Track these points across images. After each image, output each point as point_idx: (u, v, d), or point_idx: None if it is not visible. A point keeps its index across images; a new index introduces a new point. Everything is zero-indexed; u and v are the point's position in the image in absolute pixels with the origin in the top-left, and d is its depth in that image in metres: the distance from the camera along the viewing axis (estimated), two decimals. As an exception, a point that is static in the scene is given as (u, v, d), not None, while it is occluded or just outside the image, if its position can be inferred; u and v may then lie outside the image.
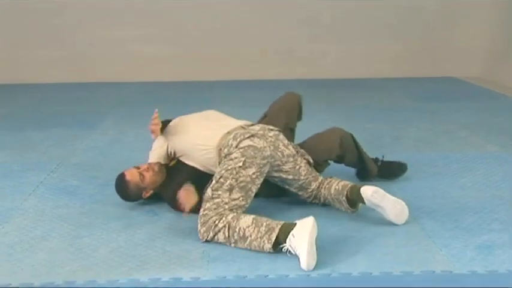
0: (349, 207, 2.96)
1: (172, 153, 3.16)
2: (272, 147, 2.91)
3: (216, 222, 2.66)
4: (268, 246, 2.57)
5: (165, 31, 7.29)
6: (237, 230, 2.62)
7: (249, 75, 7.20)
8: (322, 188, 3.06)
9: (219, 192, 2.73)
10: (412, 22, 7.43)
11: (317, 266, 2.47)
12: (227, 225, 2.64)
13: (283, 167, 2.96)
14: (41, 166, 3.88)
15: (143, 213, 3.06)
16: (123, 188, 3.08)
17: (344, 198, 2.94)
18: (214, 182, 2.77)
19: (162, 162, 3.17)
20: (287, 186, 3.06)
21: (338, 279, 2.39)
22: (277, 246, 2.56)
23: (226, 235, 2.64)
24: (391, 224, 2.88)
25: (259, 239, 2.58)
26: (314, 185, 3.06)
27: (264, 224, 2.60)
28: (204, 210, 2.72)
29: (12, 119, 5.38)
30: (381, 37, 7.43)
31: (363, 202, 2.89)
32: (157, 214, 3.04)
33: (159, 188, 3.10)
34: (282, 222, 2.60)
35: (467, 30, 7.46)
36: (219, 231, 2.65)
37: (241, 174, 2.76)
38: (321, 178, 3.08)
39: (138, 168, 3.08)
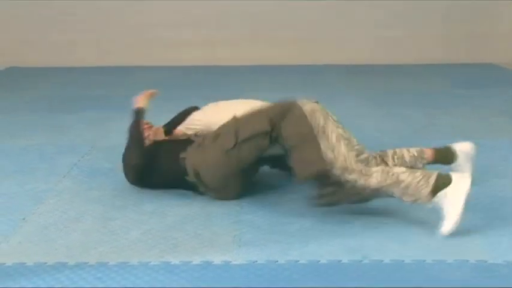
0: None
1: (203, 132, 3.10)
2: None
3: (366, 168, 2.69)
4: (427, 190, 2.59)
5: (195, 15, 7.28)
6: (390, 174, 2.65)
7: (279, 60, 7.16)
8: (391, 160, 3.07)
9: (339, 148, 2.69)
10: (451, 8, 7.26)
11: (348, 252, 2.46)
12: (380, 170, 2.67)
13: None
14: (75, 148, 3.93)
15: (175, 196, 3.07)
16: None
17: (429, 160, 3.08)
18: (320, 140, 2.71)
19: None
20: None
21: (369, 265, 2.37)
22: (435, 194, 2.58)
23: (379, 178, 2.65)
24: (424, 211, 2.83)
25: (416, 183, 2.61)
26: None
27: (419, 171, 2.67)
28: (337, 170, 2.66)
29: (45, 101, 5.45)
30: (417, 23, 7.28)
31: (452, 162, 3.08)
32: (189, 197, 3.05)
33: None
34: (436, 172, 2.64)
35: (507, 16, 7.26)
36: (372, 174, 2.66)
37: (327, 127, 2.77)
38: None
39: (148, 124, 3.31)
